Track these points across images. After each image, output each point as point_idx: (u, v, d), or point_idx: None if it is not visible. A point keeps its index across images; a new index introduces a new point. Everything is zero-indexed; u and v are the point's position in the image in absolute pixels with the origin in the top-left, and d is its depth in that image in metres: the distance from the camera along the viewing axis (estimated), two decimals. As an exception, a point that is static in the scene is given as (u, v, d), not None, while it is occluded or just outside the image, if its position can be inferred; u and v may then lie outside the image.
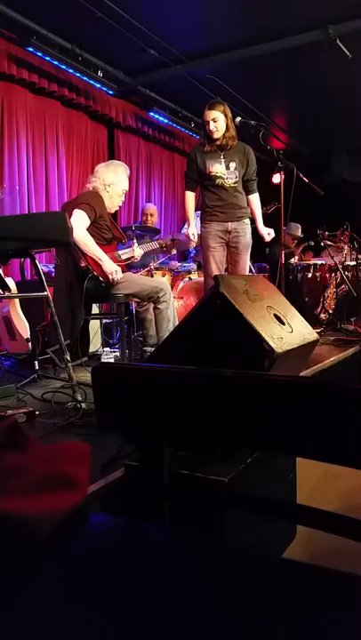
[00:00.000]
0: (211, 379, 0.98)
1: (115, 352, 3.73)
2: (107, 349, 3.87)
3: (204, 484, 1.25)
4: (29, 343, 2.82)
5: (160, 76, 5.58)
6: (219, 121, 3.46)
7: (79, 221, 2.90)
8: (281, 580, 0.65)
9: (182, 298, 4.69)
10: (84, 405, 1.95)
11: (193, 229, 3.73)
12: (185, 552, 0.74)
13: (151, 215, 5.64)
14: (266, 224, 3.82)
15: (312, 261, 5.38)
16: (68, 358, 2.16)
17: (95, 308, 3.59)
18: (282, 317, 1.90)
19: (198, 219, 3.90)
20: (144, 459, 1.17)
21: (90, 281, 2.93)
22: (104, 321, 4.03)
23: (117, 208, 3.39)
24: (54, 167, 5.34)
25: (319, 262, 5.27)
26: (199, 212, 3.87)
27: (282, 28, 4.75)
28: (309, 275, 5.19)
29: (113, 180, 3.16)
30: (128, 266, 3.46)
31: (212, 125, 3.47)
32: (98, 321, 3.77)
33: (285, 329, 1.85)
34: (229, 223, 3.56)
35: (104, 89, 5.59)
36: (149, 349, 3.40)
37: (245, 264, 3.67)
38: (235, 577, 0.66)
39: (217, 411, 0.96)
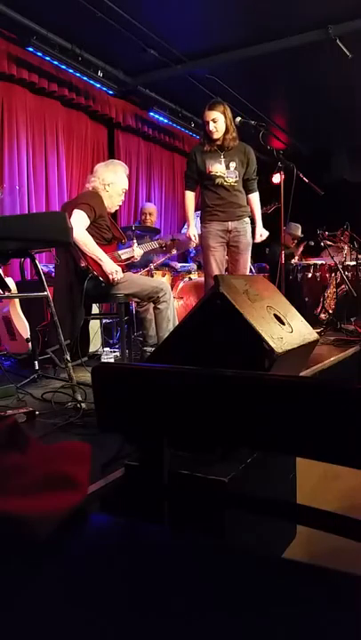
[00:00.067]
0: (211, 379, 0.98)
1: (115, 352, 3.73)
2: (107, 349, 3.87)
3: (204, 483, 1.25)
4: (29, 343, 2.82)
5: (160, 75, 5.58)
6: (219, 121, 3.46)
7: (79, 221, 2.90)
8: (281, 580, 0.65)
9: (182, 298, 4.69)
10: (84, 405, 1.95)
11: (193, 230, 3.73)
12: (185, 552, 0.74)
13: (150, 215, 5.65)
14: (266, 224, 3.81)
15: (312, 261, 5.38)
16: (68, 358, 2.16)
17: (95, 308, 3.59)
18: (282, 317, 1.90)
19: (198, 219, 3.90)
20: (144, 459, 1.17)
21: (90, 281, 2.93)
22: (104, 321, 4.03)
23: (117, 207, 3.39)
24: (54, 167, 5.34)
25: (319, 262, 5.27)
26: (199, 212, 3.87)
27: (282, 28, 4.75)
28: (309, 275, 5.19)
29: (112, 180, 3.16)
30: (128, 266, 3.46)
31: (211, 126, 3.47)
32: (98, 321, 3.77)
33: (285, 329, 1.85)
34: (230, 222, 3.56)
35: (104, 89, 5.59)
36: (149, 349, 3.40)
37: (246, 264, 3.67)
38: (235, 577, 0.66)
39: (217, 411, 0.96)
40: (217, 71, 5.51)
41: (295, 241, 6.42)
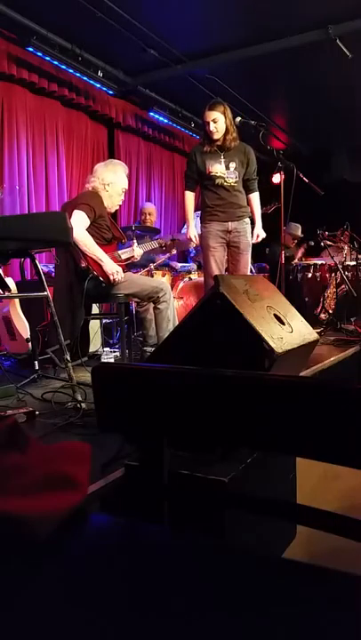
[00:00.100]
0: (211, 379, 0.98)
1: (115, 352, 3.73)
2: (107, 349, 3.87)
3: (204, 483, 1.25)
4: (29, 343, 2.82)
5: (160, 75, 5.58)
6: (219, 122, 3.46)
7: (79, 222, 2.90)
8: (281, 580, 0.65)
9: (182, 298, 4.69)
10: (84, 405, 1.95)
11: (193, 231, 3.73)
12: (185, 552, 0.74)
13: (150, 214, 5.65)
14: (266, 224, 3.81)
15: (312, 261, 5.38)
16: (68, 358, 2.16)
17: (95, 308, 3.59)
18: (282, 317, 1.90)
19: (198, 219, 3.90)
20: (144, 459, 1.17)
21: (90, 281, 2.93)
22: (104, 321, 4.03)
23: (117, 207, 3.39)
24: (54, 167, 5.34)
25: (319, 262, 5.27)
26: (199, 212, 3.87)
27: (282, 28, 4.75)
28: (309, 275, 5.19)
29: (112, 180, 3.16)
30: (128, 266, 3.46)
31: (212, 126, 3.47)
32: (98, 321, 3.77)
33: (285, 329, 1.85)
34: (230, 223, 3.56)
35: (104, 89, 5.59)
36: (149, 349, 3.40)
37: (246, 264, 3.66)
38: (235, 577, 0.66)
39: (217, 411, 0.96)
40: (217, 71, 5.51)
41: (295, 241, 6.42)
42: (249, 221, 3.67)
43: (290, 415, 0.87)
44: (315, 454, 0.90)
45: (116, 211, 4.37)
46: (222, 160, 3.54)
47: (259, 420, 0.91)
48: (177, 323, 3.10)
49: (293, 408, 0.87)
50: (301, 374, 2.24)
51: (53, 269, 3.40)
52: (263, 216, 3.85)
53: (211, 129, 3.48)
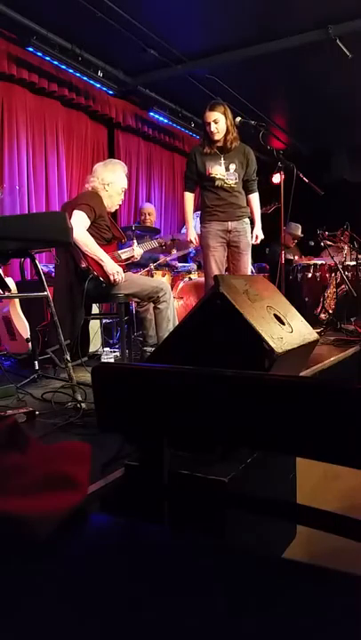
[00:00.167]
0: (211, 379, 0.98)
1: (115, 352, 3.73)
2: (107, 349, 3.87)
3: (204, 483, 1.25)
4: (29, 343, 2.82)
5: (160, 75, 5.58)
6: (220, 122, 3.46)
7: (79, 222, 2.90)
8: (281, 580, 0.65)
9: (182, 298, 4.69)
10: (84, 405, 1.95)
11: (192, 233, 3.73)
12: (185, 552, 0.74)
13: (149, 215, 5.66)
14: (266, 224, 3.81)
15: (312, 261, 5.38)
16: (68, 358, 2.16)
17: (95, 308, 3.60)
18: (282, 317, 1.90)
19: (198, 219, 3.90)
20: (144, 459, 1.17)
21: (90, 281, 2.93)
22: (104, 321, 4.03)
23: (117, 207, 3.39)
24: (54, 167, 5.34)
25: (319, 262, 5.27)
26: (199, 213, 3.87)
27: (282, 28, 4.75)
28: (309, 275, 5.19)
29: (112, 179, 3.16)
30: (128, 265, 3.46)
31: (213, 127, 3.46)
32: (98, 321, 3.77)
33: (285, 329, 1.85)
34: (229, 222, 3.56)
35: (104, 89, 5.59)
36: (149, 349, 3.40)
37: (247, 264, 3.66)
38: (235, 577, 0.66)
39: (217, 411, 0.96)
40: (217, 71, 5.51)
41: (295, 241, 6.42)
42: (249, 221, 3.67)
43: (290, 415, 0.87)
44: (315, 454, 0.90)
45: (116, 211, 4.37)
46: (222, 161, 3.54)
47: (259, 420, 0.91)
48: (177, 323, 3.10)
49: (293, 408, 0.87)
50: (301, 374, 2.24)
51: (53, 269, 3.40)
52: (263, 216, 3.85)
53: (212, 129, 3.47)
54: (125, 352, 3.18)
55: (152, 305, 3.22)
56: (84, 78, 5.27)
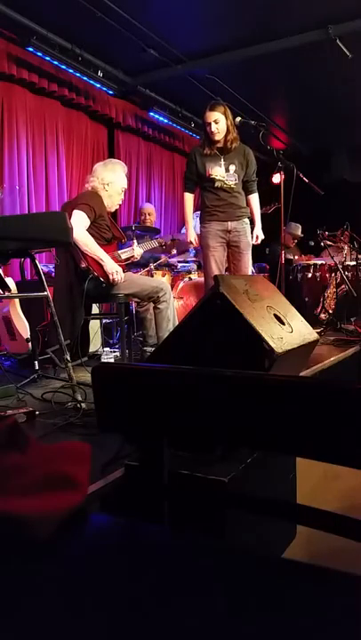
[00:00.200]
0: (211, 379, 0.98)
1: (115, 352, 3.73)
2: (107, 349, 3.87)
3: (204, 483, 1.25)
4: (29, 343, 2.82)
5: (160, 75, 5.58)
6: (220, 122, 3.46)
7: (79, 222, 2.89)
8: (281, 580, 0.65)
9: (182, 298, 4.69)
10: (84, 405, 1.95)
11: (192, 235, 3.73)
12: (185, 552, 0.74)
13: (149, 214, 5.66)
14: (266, 224, 3.81)
15: (312, 261, 5.38)
16: (68, 358, 2.16)
17: (95, 308, 3.59)
18: (282, 317, 1.90)
19: (197, 219, 3.90)
20: (144, 459, 1.17)
21: (90, 281, 2.93)
22: (104, 321, 4.03)
23: (117, 207, 3.39)
24: (54, 167, 5.34)
25: (319, 262, 5.27)
26: (198, 213, 3.87)
27: (282, 28, 4.76)
28: (309, 275, 5.19)
29: (111, 179, 3.16)
30: (128, 265, 3.46)
31: (213, 127, 3.46)
32: (98, 321, 3.77)
33: (285, 329, 1.85)
34: (229, 222, 3.56)
35: (104, 89, 5.59)
36: (149, 349, 3.40)
37: (248, 263, 3.66)
38: (235, 577, 0.66)
39: (217, 411, 0.96)
40: (217, 71, 5.51)
41: (295, 241, 6.42)
42: (248, 222, 3.67)
43: (290, 415, 0.87)
44: (315, 454, 0.90)
45: (116, 211, 4.37)
46: (222, 163, 3.53)
47: (259, 420, 0.91)
48: (177, 323, 3.10)
49: (293, 408, 0.87)
50: (301, 374, 2.24)
51: (53, 269, 3.39)
52: (263, 216, 3.85)
53: (212, 130, 3.47)
54: (125, 352, 3.18)
55: (152, 305, 3.22)
56: (84, 78, 5.27)
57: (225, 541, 1.20)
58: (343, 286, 4.79)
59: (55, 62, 4.89)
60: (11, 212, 4.62)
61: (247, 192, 3.68)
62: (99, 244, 2.98)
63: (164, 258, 4.78)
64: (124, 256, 3.27)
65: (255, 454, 1.40)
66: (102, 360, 3.54)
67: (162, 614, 0.59)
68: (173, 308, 3.22)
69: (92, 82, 5.37)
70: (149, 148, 6.90)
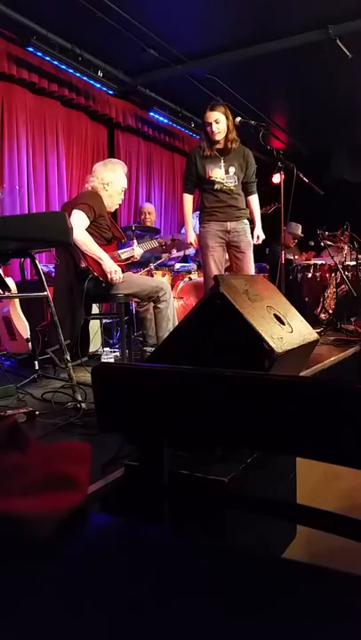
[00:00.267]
0: (211, 379, 0.98)
1: (115, 352, 3.73)
2: (107, 349, 3.87)
3: (204, 483, 1.25)
4: (29, 343, 2.82)
5: (160, 75, 5.58)
6: (221, 122, 3.45)
7: (78, 221, 2.89)
8: (281, 580, 0.65)
9: (182, 298, 4.69)
10: (84, 405, 1.95)
11: (192, 235, 3.73)
12: (185, 552, 0.74)
13: (149, 214, 5.66)
14: (266, 224, 3.81)
15: (312, 261, 5.38)
16: (68, 358, 2.16)
17: (95, 308, 3.59)
18: (282, 317, 1.90)
19: (197, 220, 3.91)
20: (144, 459, 1.17)
21: (90, 281, 2.93)
22: (104, 321, 4.03)
23: (117, 207, 3.39)
24: (54, 167, 5.35)
25: (319, 262, 5.27)
26: (198, 213, 3.87)
27: (282, 28, 4.76)
28: (309, 275, 5.19)
29: (111, 179, 3.16)
30: (128, 265, 3.46)
31: (214, 127, 3.46)
32: (98, 321, 3.77)
33: (285, 329, 1.85)
34: (228, 223, 3.56)
35: (104, 89, 5.60)
36: (149, 349, 3.40)
37: (250, 263, 3.65)
38: (235, 577, 0.66)
39: (217, 411, 0.96)
40: (217, 71, 5.51)
41: (295, 240, 6.42)
42: (248, 222, 3.67)
43: (290, 415, 0.87)
44: (315, 454, 0.90)
45: (116, 210, 4.37)
46: (222, 164, 3.53)
47: (259, 420, 0.91)
48: (177, 323, 3.10)
49: (293, 408, 0.87)
50: (301, 374, 2.24)
51: (53, 269, 3.39)
52: (263, 216, 3.85)
53: (213, 129, 3.47)
54: (125, 352, 3.18)
55: (152, 305, 3.22)
56: (84, 78, 5.27)
57: (225, 541, 1.20)
58: (343, 286, 4.79)
59: (55, 62, 4.89)
60: (11, 212, 4.62)
61: (247, 193, 3.68)
62: (99, 243, 2.98)
63: (165, 256, 4.79)
64: (123, 256, 3.27)
65: (255, 454, 1.40)
66: (102, 360, 3.54)
67: (162, 614, 0.59)
68: (173, 308, 3.22)
69: (92, 82, 5.38)
70: (149, 148, 6.90)
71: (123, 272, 3.04)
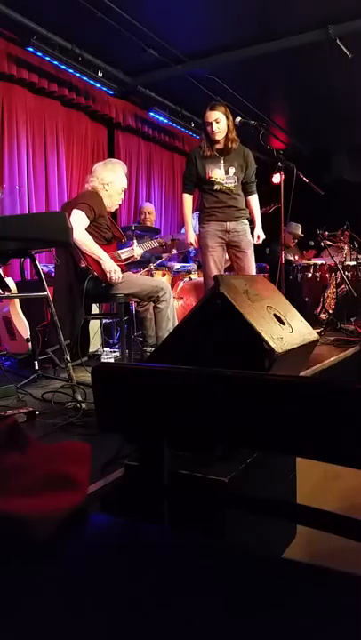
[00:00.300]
0: (211, 379, 0.98)
1: (115, 352, 3.73)
2: (107, 349, 3.87)
3: (204, 483, 1.25)
4: (29, 343, 2.82)
5: (160, 75, 5.58)
6: (221, 122, 3.46)
7: (78, 221, 2.89)
8: (281, 580, 0.65)
9: (182, 298, 4.69)
10: (84, 405, 1.95)
11: (192, 235, 3.73)
12: (185, 552, 0.74)
13: (149, 214, 5.66)
14: (266, 224, 3.81)
15: (312, 261, 5.38)
16: (68, 358, 2.16)
17: (95, 308, 3.59)
18: (282, 317, 1.90)
19: (197, 219, 3.91)
20: (144, 459, 1.17)
21: (90, 281, 2.93)
22: (104, 321, 4.03)
23: (117, 206, 3.39)
24: (54, 167, 5.34)
25: (319, 262, 5.27)
26: (197, 213, 3.87)
27: (282, 28, 4.76)
28: (309, 275, 5.19)
29: (111, 179, 3.16)
30: (128, 265, 3.46)
31: (214, 126, 3.46)
32: (98, 321, 3.77)
33: (285, 329, 1.85)
34: (228, 223, 3.56)
35: (104, 89, 5.59)
36: (149, 349, 3.40)
37: (251, 262, 3.64)
38: (235, 577, 0.66)
39: (217, 411, 0.96)
40: (217, 71, 5.51)
41: (295, 240, 6.42)
42: (247, 222, 3.67)
43: (290, 415, 0.87)
44: (315, 454, 0.90)
45: (116, 210, 4.37)
46: (222, 165, 3.53)
47: (259, 420, 0.91)
48: (177, 323, 3.10)
49: (293, 408, 0.87)
50: (301, 374, 2.24)
51: (53, 269, 3.39)
52: (263, 216, 3.85)
53: (213, 129, 3.46)
54: (125, 352, 3.18)
55: (152, 305, 3.22)
56: (84, 78, 5.27)
57: (225, 541, 1.20)
58: (343, 286, 4.79)
59: (55, 62, 4.89)
60: (11, 212, 4.62)
61: (246, 193, 3.68)
62: (99, 243, 2.98)
63: (165, 256, 4.79)
64: (123, 256, 3.27)
65: (255, 454, 1.40)
66: (102, 360, 3.54)
67: (162, 614, 0.59)
68: (173, 308, 3.22)
69: (92, 82, 5.37)
70: (149, 147, 6.90)
71: (123, 272, 3.04)
